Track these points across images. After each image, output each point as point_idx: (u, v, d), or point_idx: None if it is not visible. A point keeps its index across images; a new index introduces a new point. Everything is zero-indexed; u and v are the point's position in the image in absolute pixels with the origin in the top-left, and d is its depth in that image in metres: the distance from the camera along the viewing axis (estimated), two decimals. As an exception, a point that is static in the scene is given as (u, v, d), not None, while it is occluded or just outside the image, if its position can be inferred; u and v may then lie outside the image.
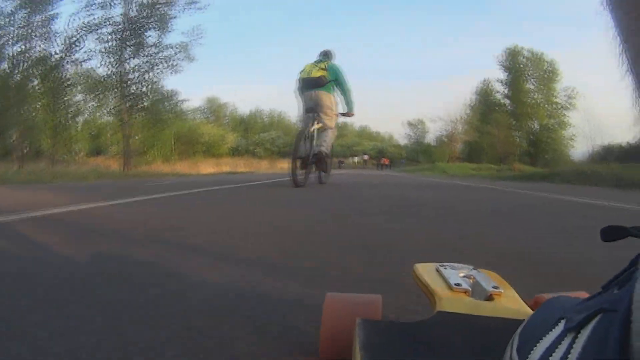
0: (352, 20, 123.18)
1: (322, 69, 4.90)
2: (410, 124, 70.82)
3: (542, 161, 25.90)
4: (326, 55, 5.19)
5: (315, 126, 4.89)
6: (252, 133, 59.22)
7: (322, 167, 5.14)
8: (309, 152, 4.85)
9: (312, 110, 4.90)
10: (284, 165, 35.80)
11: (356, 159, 54.67)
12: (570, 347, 0.29)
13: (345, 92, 5.09)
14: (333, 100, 4.97)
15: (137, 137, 23.43)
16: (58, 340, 0.60)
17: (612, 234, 0.38)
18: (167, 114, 16.06)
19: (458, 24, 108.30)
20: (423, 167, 35.52)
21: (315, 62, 5.07)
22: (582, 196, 4.22)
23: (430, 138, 56.65)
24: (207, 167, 22.59)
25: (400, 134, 62.80)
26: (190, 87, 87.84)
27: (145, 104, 14.90)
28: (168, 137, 26.81)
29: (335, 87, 5.02)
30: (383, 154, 52.64)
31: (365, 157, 52.32)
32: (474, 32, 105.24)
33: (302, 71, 5.02)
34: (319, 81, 4.83)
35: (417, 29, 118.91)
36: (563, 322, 0.32)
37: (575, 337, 0.29)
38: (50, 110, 13.68)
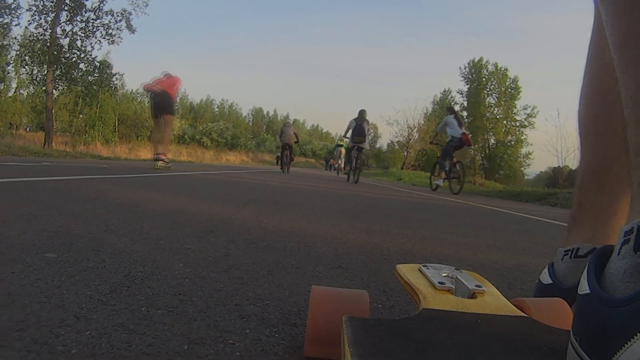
0: (311, 14, 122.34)
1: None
2: (363, 127, 70.61)
3: (496, 176, 25.80)
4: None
5: (361, 151, 9.37)
6: (202, 122, 56.74)
7: (360, 170, 9.36)
8: (356, 163, 9.16)
9: (359, 146, 9.33)
10: (230, 157, 34.23)
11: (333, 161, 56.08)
12: None
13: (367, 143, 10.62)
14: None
15: (81, 116, 20.93)
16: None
17: None
18: (99, 86, 13.95)
19: (427, 27, 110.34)
20: (375, 172, 34.80)
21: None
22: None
23: (381, 143, 56.65)
24: (147, 153, 20.78)
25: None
26: (145, 68, 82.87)
27: (77, 74, 12.82)
28: (111, 118, 24.45)
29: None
30: (332, 155, 53.06)
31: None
32: (440, 37, 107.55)
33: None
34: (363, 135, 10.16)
35: (380, 27, 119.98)
36: None
37: None
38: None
